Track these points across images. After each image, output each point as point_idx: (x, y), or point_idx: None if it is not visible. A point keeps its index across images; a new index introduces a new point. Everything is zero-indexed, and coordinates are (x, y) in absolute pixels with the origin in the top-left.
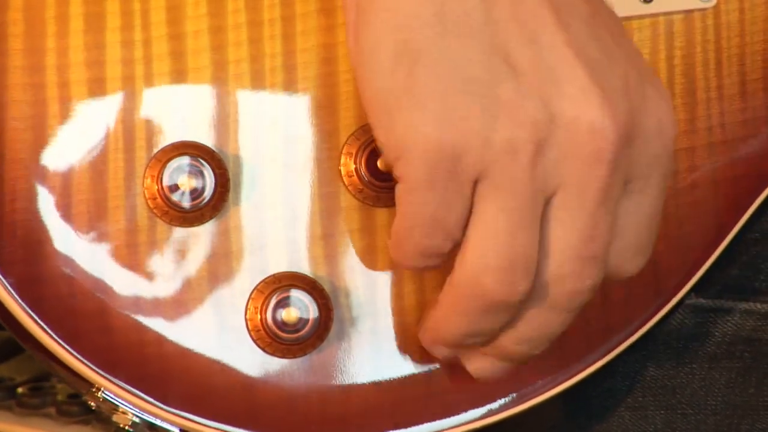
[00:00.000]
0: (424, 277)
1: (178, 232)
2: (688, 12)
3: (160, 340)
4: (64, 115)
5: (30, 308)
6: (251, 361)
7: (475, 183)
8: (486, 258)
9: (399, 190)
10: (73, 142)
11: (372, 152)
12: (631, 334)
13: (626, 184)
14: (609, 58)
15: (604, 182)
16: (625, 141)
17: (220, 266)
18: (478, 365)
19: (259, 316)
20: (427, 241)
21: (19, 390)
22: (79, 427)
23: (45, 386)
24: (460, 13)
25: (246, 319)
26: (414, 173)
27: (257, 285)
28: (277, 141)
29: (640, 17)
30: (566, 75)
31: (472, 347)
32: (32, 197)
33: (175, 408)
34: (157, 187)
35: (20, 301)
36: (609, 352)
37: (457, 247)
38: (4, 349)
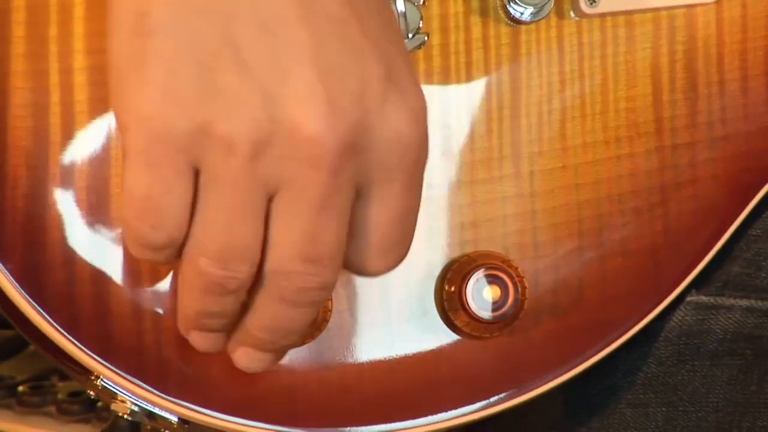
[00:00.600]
0: (426, 268)
1: None
2: (691, 6)
3: (158, 328)
4: (66, 103)
5: (29, 295)
6: None
7: (197, 173)
8: (203, 242)
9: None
10: (74, 129)
11: None
12: (630, 329)
13: (362, 188)
14: (353, 60)
15: (324, 188)
16: (348, 150)
17: None
18: (237, 354)
19: None
20: (138, 225)
21: (20, 389)
22: (79, 425)
23: (45, 385)
24: None
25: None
26: (133, 145)
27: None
28: None
29: (643, 11)
30: (296, 75)
31: (227, 337)
32: (33, 184)
33: (174, 396)
34: None
35: (19, 287)
36: (607, 346)
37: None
38: (5, 347)
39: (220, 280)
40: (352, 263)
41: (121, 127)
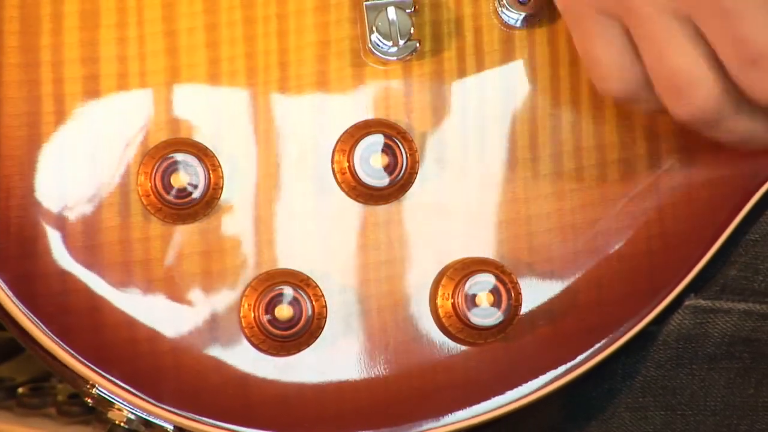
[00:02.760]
0: (420, 275)
1: (171, 229)
2: None
3: (153, 337)
4: (59, 112)
5: (24, 304)
6: (245, 358)
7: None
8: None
9: None
10: (67, 138)
11: (364, 150)
12: (626, 333)
13: None
14: None
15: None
16: None
17: (213, 263)
18: None
19: (252, 314)
20: (593, 80)
21: (20, 390)
22: (79, 427)
23: (45, 386)
24: None
25: (239, 317)
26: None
27: (250, 282)
28: (271, 138)
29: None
30: None
31: None
32: (26, 195)
33: (169, 405)
34: (150, 184)
35: (14, 297)
36: (603, 350)
37: None
38: (4, 349)
39: (691, 116)
40: None
41: None
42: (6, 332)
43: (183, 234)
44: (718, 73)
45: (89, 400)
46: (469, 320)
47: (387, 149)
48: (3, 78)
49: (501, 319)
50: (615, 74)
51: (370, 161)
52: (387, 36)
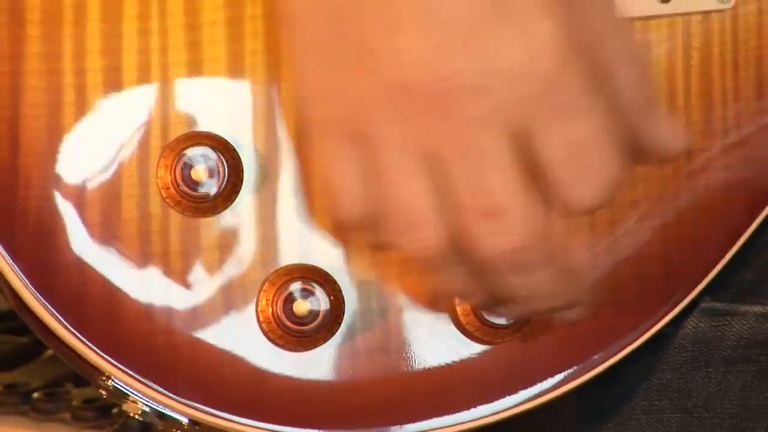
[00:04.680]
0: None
1: (191, 222)
2: (706, 13)
3: (169, 329)
4: (80, 103)
5: (41, 294)
6: (261, 352)
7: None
8: (385, 219)
9: None
10: (87, 130)
11: None
12: (642, 335)
13: (520, 131)
14: (456, 7)
15: (457, 142)
16: (465, 91)
17: (232, 257)
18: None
19: (270, 308)
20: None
21: (35, 395)
22: None
23: (60, 392)
24: None
25: (257, 311)
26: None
27: (269, 276)
28: (292, 133)
29: (658, 17)
30: (405, 33)
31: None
32: (45, 185)
33: (184, 398)
34: (170, 177)
35: (31, 287)
36: (619, 352)
37: None
38: (20, 354)
39: (420, 252)
40: (556, 201)
41: None
42: (21, 337)
43: (202, 227)
44: (449, 218)
45: (103, 392)
46: (485, 319)
47: None
48: (24, 67)
49: (517, 318)
50: (348, 203)
51: None
52: None
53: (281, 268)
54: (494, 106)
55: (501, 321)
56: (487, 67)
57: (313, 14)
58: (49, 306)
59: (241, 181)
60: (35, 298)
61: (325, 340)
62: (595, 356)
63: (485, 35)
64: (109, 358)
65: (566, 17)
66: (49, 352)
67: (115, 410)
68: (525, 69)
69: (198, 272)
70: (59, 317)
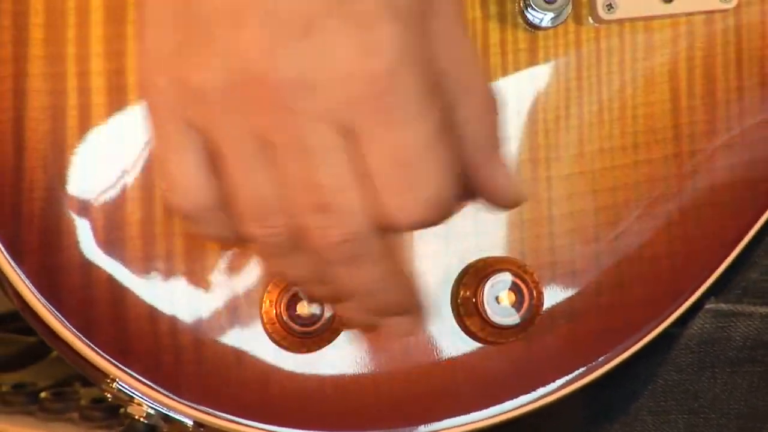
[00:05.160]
0: (442, 274)
1: None
2: (709, 13)
3: (174, 331)
4: (83, 106)
5: (45, 297)
6: (265, 354)
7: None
8: (231, 206)
9: None
10: (91, 132)
11: None
12: (647, 335)
13: (348, 131)
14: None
15: (290, 131)
16: (293, 88)
17: (236, 260)
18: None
19: (274, 310)
20: (165, 193)
21: (42, 395)
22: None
23: (68, 391)
24: None
25: (261, 313)
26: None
27: (273, 278)
28: None
29: (661, 17)
30: (244, 25)
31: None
32: (50, 187)
33: (189, 400)
34: None
35: (35, 290)
36: (624, 352)
37: None
38: (27, 354)
39: (266, 239)
40: (376, 215)
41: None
42: (28, 337)
43: None
44: (287, 208)
45: (109, 395)
46: (490, 319)
47: None
48: (28, 71)
49: (522, 318)
50: (186, 191)
51: None
52: None
53: None
54: (324, 102)
55: (505, 322)
56: (320, 63)
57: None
58: (54, 309)
59: None
60: (39, 301)
61: (329, 342)
62: (601, 357)
63: (323, 31)
64: (114, 361)
65: (413, 30)
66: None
67: (122, 410)
68: (358, 69)
69: (202, 275)
70: (64, 320)
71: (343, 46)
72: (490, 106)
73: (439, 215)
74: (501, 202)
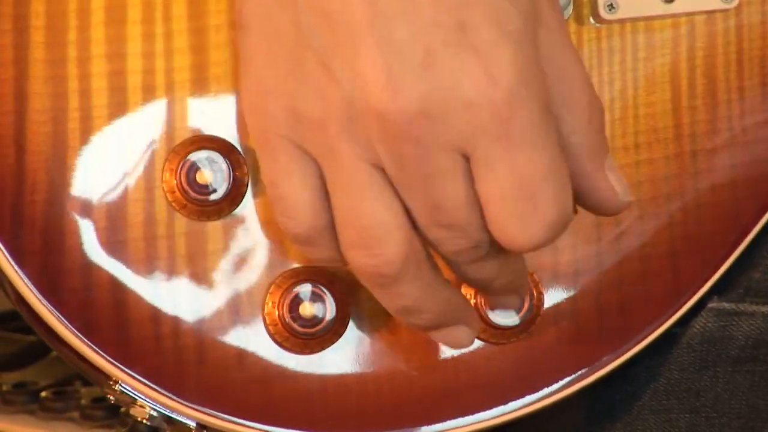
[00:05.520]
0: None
1: (197, 226)
2: (710, 12)
3: (176, 333)
4: (85, 108)
5: (47, 299)
6: (268, 355)
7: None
8: (342, 234)
9: None
10: (93, 134)
11: None
12: (649, 335)
13: (469, 155)
14: (412, 29)
15: (413, 159)
16: (419, 118)
17: (238, 260)
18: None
19: (276, 311)
20: (278, 218)
21: (43, 394)
22: (102, 431)
23: (68, 390)
24: None
25: (263, 314)
26: (251, 137)
27: (275, 279)
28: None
29: (662, 17)
30: (360, 55)
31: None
32: (51, 190)
33: (192, 402)
34: (175, 181)
35: (37, 292)
36: (626, 352)
37: None
38: (28, 353)
39: (373, 269)
40: (493, 230)
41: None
42: (29, 336)
43: (208, 231)
44: (408, 231)
45: (111, 397)
46: (491, 320)
47: None
48: (29, 73)
49: (523, 319)
50: (299, 215)
51: None
52: None
53: (287, 270)
54: (447, 133)
55: (506, 322)
56: (442, 94)
57: (270, 26)
58: (56, 311)
59: (246, 184)
60: (41, 303)
61: (331, 343)
62: (603, 357)
63: (443, 62)
64: (117, 363)
65: (527, 50)
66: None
67: (123, 409)
68: (480, 98)
69: (204, 276)
70: (66, 322)
71: (464, 76)
72: (594, 113)
73: (557, 235)
74: (609, 208)
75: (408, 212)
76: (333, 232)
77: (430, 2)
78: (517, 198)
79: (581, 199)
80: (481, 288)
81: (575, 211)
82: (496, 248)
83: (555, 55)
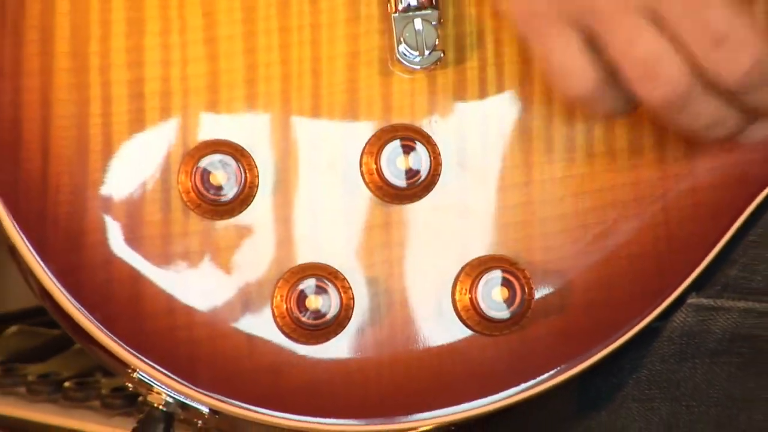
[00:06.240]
0: (441, 271)
1: (210, 224)
2: None
3: (190, 324)
4: (105, 114)
5: (70, 294)
6: (276, 346)
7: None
8: (622, 69)
9: None
10: (112, 138)
11: (391, 153)
12: (633, 328)
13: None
14: None
15: None
16: None
17: (248, 256)
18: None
19: (284, 304)
20: (559, 83)
21: (66, 384)
22: (121, 419)
23: (90, 381)
24: None
25: (272, 307)
26: (518, 26)
27: (283, 274)
28: (304, 140)
29: None
30: None
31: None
32: (74, 191)
33: (204, 389)
34: (190, 182)
35: (61, 287)
36: (612, 344)
37: None
38: (51, 345)
39: (667, 95)
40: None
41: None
42: (53, 330)
43: (220, 229)
44: (685, 56)
45: (129, 385)
46: (485, 313)
47: (410, 151)
48: (54, 81)
49: (515, 312)
50: (578, 75)
51: (396, 163)
52: (413, 46)
53: (294, 266)
54: None
55: (498, 315)
56: None
57: None
58: (77, 303)
59: (257, 186)
60: (66, 296)
61: (336, 334)
62: (590, 349)
63: None
64: (135, 353)
65: None
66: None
67: (141, 398)
68: None
69: (216, 271)
70: (88, 315)
71: None
72: None
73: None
74: None
75: (683, 45)
76: (612, 84)
77: None
78: (714, 49)
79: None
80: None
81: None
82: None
83: None
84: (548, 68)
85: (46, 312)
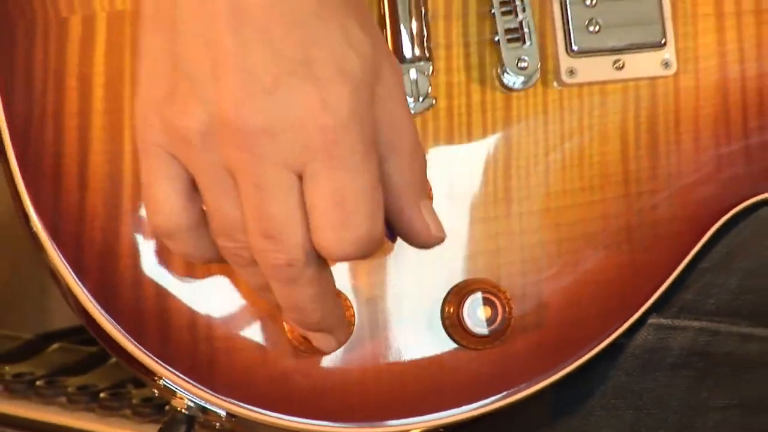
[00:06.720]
0: (434, 292)
1: None
2: (653, 78)
3: (210, 337)
4: (136, 151)
5: (104, 309)
6: (287, 357)
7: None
8: (210, 223)
9: None
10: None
11: None
12: (600, 343)
13: (300, 172)
14: (265, 56)
15: (251, 168)
16: (259, 134)
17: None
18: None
19: None
20: (148, 215)
21: (101, 395)
22: (151, 426)
23: (122, 392)
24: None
25: (283, 322)
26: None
27: None
28: None
29: (614, 82)
30: (222, 76)
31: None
32: (109, 219)
33: (222, 395)
34: None
35: (96, 303)
36: (582, 357)
37: None
38: (89, 361)
39: (235, 251)
40: (315, 241)
41: None
42: (90, 347)
43: None
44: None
45: (156, 391)
46: (470, 330)
47: None
48: (91, 122)
49: (496, 329)
50: (165, 210)
51: None
52: (408, 93)
53: None
54: (282, 148)
55: (482, 332)
56: (282, 114)
57: (154, 54)
58: (111, 319)
59: None
60: (101, 313)
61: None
62: (562, 362)
63: (288, 88)
64: (161, 362)
65: (362, 94)
66: (114, 359)
67: (168, 407)
68: (313, 122)
69: (233, 290)
70: (120, 328)
71: (302, 101)
72: (417, 160)
73: (366, 251)
74: (423, 241)
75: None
76: (200, 230)
77: (285, 39)
78: (334, 209)
79: (400, 231)
80: (297, 321)
81: (393, 240)
82: (309, 275)
83: (388, 107)
84: (144, 195)
85: (84, 331)
